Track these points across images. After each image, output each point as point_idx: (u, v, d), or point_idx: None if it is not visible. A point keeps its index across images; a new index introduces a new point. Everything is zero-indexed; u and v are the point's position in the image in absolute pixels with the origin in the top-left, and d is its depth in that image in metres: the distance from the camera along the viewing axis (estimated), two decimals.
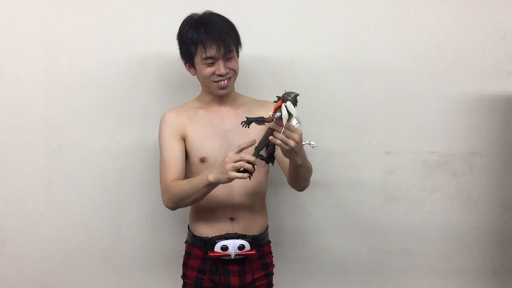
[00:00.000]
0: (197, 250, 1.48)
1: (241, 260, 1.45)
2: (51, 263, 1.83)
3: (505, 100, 1.82)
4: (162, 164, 1.43)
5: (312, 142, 1.29)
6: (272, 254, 1.58)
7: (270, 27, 1.77)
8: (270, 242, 1.58)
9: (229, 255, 1.41)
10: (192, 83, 1.71)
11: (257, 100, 1.53)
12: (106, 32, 1.74)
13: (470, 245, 1.89)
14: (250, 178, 1.24)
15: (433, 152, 1.84)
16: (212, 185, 1.29)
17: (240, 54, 1.46)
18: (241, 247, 1.42)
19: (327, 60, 1.78)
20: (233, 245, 1.41)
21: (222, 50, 1.34)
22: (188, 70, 1.45)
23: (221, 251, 1.41)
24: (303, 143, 1.26)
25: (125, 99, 1.77)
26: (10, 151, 1.77)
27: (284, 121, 1.16)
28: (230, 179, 1.23)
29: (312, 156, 1.82)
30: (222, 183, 1.26)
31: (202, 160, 1.42)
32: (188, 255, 1.52)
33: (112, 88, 1.76)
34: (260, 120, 1.23)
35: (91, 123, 1.77)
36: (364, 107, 1.81)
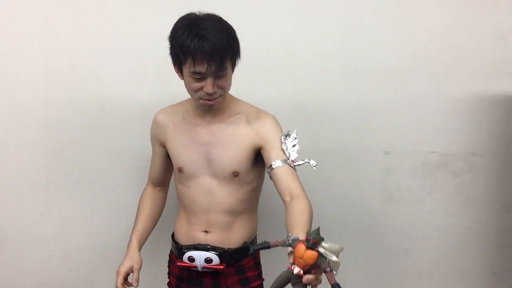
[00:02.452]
0: (175, 257, 1.45)
1: (215, 273, 1.37)
2: (51, 263, 1.83)
3: (505, 100, 1.82)
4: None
5: (312, 161, 1.25)
6: (258, 268, 1.46)
7: (270, 27, 1.77)
8: (254, 256, 1.44)
9: (196, 266, 1.35)
10: None
11: (254, 109, 1.36)
12: (106, 32, 1.74)
13: (470, 245, 1.89)
14: None
15: (433, 152, 1.84)
16: None
17: (238, 62, 1.32)
18: (209, 260, 1.33)
19: (327, 60, 1.78)
20: (199, 257, 1.34)
21: (213, 68, 1.17)
22: (176, 72, 1.31)
23: (188, 262, 1.36)
24: (302, 162, 1.25)
25: (125, 99, 1.77)
26: (10, 151, 1.77)
27: (335, 268, 1.04)
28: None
29: (312, 156, 1.82)
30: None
31: (179, 170, 1.37)
32: (170, 261, 1.52)
33: (112, 88, 1.76)
34: (265, 247, 1.09)
35: (91, 123, 1.77)
36: (364, 107, 1.81)
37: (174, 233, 1.48)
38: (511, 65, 1.81)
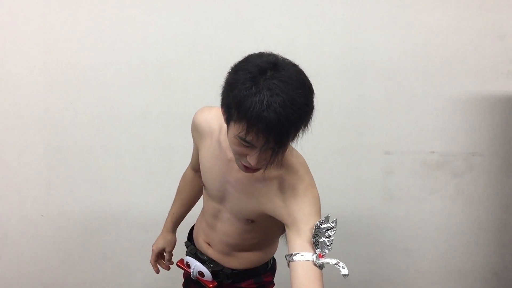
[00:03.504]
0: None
1: (218, 285, 1.29)
2: (51, 263, 1.83)
3: (505, 100, 1.82)
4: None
5: (342, 265, 0.97)
6: None
7: (270, 27, 1.77)
8: (258, 280, 1.30)
9: (190, 272, 1.31)
10: (192, 83, 1.71)
11: (294, 175, 1.08)
12: (106, 32, 1.74)
13: (470, 245, 1.89)
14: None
15: (433, 152, 1.84)
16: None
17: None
18: (201, 274, 1.27)
19: (327, 60, 1.78)
20: (194, 267, 1.28)
21: (271, 144, 0.90)
22: (222, 114, 0.98)
23: (185, 266, 1.33)
24: (330, 261, 0.97)
25: (125, 99, 1.77)
26: (10, 151, 1.77)
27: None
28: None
29: (312, 156, 1.82)
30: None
31: (203, 183, 1.26)
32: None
33: (112, 88, 1.76)
34: None
35: (91, 123, 1.77)
36: (364, 107, 1.81)
37: (192, 228, 1.42)
38: (511, 65, 1.81)
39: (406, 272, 1.90)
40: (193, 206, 1.46)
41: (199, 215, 1.41)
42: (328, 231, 0.98)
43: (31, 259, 1.82)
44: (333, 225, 0.98)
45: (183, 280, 1.54)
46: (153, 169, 1.80)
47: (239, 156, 0.97)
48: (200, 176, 1.32)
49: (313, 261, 0.97)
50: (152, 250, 1.38)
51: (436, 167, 1.85)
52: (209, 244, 1.28)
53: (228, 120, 0.95)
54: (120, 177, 1.80)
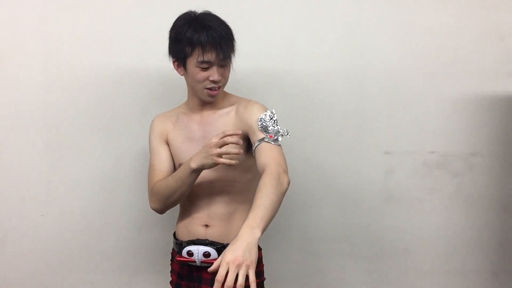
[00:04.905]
0: (176, 253, 1.45)
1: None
2: (51, 263, 1.83)
3: (505, 100, 1.82)
4: (149, 169, 1.45)
5: (285, 130, 1.25)
6: (258, 266, 1.35)
7: (270, 27, 1.77)
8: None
9: (195, 261, 1.36)
10: None
11: (245, 101, 1.39)
12: (106, 32, 1.74)
13: (470, 245, 1.89)
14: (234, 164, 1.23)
15: (433, 152, 1.84)
16: (196, 172, 1.27)
17: (234, 60, 1.36)
18: (207, 255, 1.34)
19: (327, 60, 1.78)
20: (197, 251, 1.35)
21: (221, 56, 1.26)
22: (176, 69, 1.37)
23: (187, 257, 1.37)
24: (280, 133, 1.24)
25: (125, 99, 1.77)
26: (10, 151, 1.77)
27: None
28: (215, 164, 1.22)
29: (312, 155, 1.82)
30: (206, 168, 1.25)
31: (180, 166, 1.37)
32: (172, 259, 1.51)
33: (112, 88, 1.76)
34: None
35: (91, 123, 1.77)
36: (364, 107, 1.81)
37: (176, 231, 1.49)
38: (511, 65, 1.81)
39: (406, 272, 1.90)
40: None
41: (179, 216, 1.47)
42: (272, 118, 1.24)
43: (31, 259, 1.82)
44: (272, 111, 1.26)
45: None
46: None
47: (204, 83, 1.29)
48: None
49: (266, 141, 1.21)
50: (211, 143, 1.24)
51: (436, 167, 1.85)
52: (207, 226, 1.37)
53: (184, 62, 1.30)
54: (120, 177, 1.80)
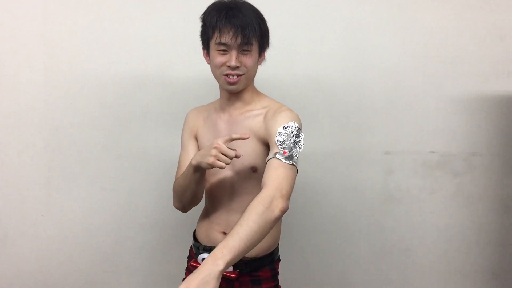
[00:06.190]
0: (193, 254, 1.41)
1: (229, 279, 1.28)
2: (51, 263, 1.83)
3: (505, 100, 1.82)
4: (178, 164, 1.40)
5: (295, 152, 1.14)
6: (274, 280, 1.36)
7: (270, 27, 1.77)
8: (272, 267, 1.35)
9: None
10: (192, 83, 1.71)
11: (278, 105, 1.28)
12: (106, 32, 1.74)
13: (470, 245, 1.89)
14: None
15: (433, 152, 1.84)
16: (197, 170, 1.22)
17: (265, 55, 1.31)
18: None
19: (327, 60, 1.78)
20: None
21: (238, 39, 1.18)
22: (205, 58, 1.30)
23: (200, 264, 1.30)
24: (295, 152, 1.14)
25: (125, 99, 1.77)
26: (10, 151, 1.77)
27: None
28: (209, 166, 1.16)
29: (312, 155, 1.82)
30: (203, 168, 1.19)
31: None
32: (189, 257, 1.48)
33: (112, 88, 1.76)
34: None
35: (91, 123, 1.77)
36: (364, 107, 1.81)
37: (196, 230, 1.43)
38: (511, 65, 1.81)
39: (406, 272, 1.90)
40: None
41: (201, 216, 1.42)
42: (293, 133, 1.15)
43: (31, 259, 1.82)
44: (298, 125, 1.16)
45: (181, 282, 1.52)
46: (153, 169, 1.80)
47: (222, 68, 1.22)
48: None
49: (277, 157, 1.12)
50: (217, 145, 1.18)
51: (436, 167, 1.85)
52: (225, 234, 1.29)
53: (208, 45, 1.25)
54: (120, 177, 1.80)
